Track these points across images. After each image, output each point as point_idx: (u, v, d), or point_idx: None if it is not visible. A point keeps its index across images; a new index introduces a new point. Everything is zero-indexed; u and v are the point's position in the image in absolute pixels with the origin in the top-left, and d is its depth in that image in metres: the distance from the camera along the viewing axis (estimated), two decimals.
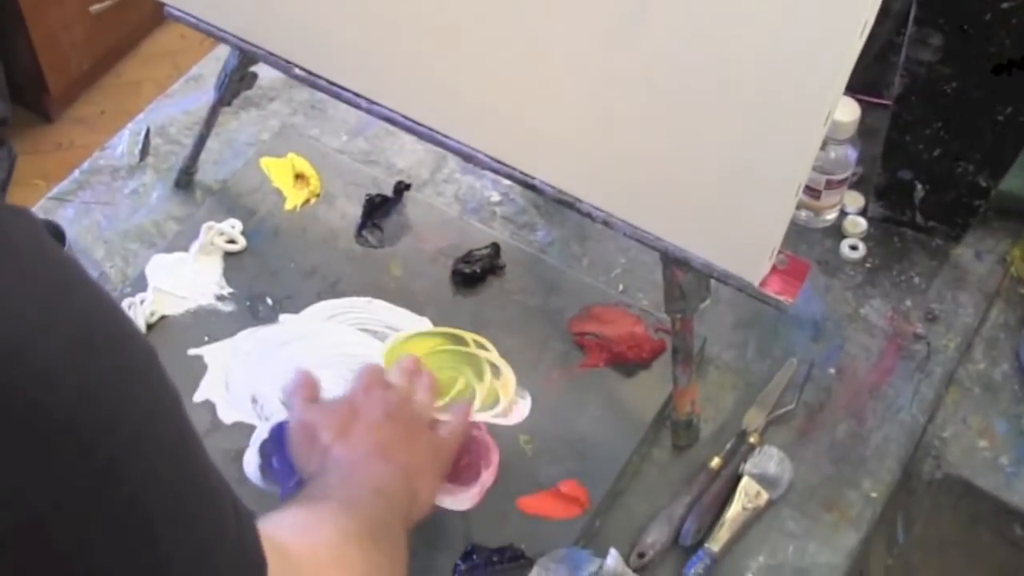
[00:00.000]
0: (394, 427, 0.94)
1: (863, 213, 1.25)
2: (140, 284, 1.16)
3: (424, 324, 1.14)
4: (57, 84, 2.58)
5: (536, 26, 0.93)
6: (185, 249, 1.19)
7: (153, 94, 1.41)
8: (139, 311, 1.13)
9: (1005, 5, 0.99)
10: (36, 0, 2.39)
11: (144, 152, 1.33)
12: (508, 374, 1.10)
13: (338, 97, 1.09)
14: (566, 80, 0.94)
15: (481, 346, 1.12)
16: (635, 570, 0.99)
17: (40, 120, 2.65)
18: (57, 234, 1.16)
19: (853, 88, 1.14)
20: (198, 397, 1.08)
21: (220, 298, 1.15)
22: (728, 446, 1.08)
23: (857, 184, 1.26)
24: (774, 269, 0.95)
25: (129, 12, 2.60)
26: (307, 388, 0.98)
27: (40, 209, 1.27)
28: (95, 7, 2.52)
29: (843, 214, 1.25)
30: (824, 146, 1.16)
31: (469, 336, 1.12)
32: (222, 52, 1.34)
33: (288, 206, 1.23)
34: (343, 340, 1.12)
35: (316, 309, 1.15)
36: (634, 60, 0.89)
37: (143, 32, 2.73)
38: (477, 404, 1.08)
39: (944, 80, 1.07)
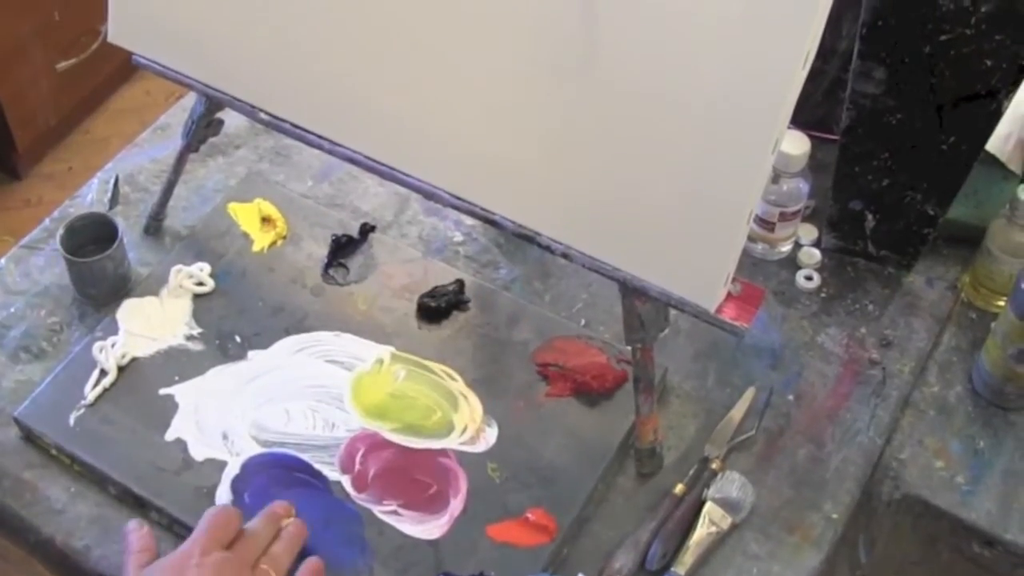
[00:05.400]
0: None
1: (817, 244, 1.28)
2: (111, 328, 1.17)
3: (386, 350, 1.16)
4: (24, 141, 2.58)
5: (489, 64, 0.96)
6: (155, 293, 1.21)
7: (120, 150, 1.42)
8: (111, 354, 1.14)
9: (943, 38, 1.02)
10: (2, 57, 2.40)
11: (114, 200, 1.34)
12: (475, 402, 1.12)
13: (302, 140, 1.12)
14: (519, 116, 0.97)
15: (449, 376, 1.14)
16: None
17: (8, 177, 2.65)
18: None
19: (804, 124, 1.19)
20: (170, 436, 1.09)
21: (190, 338, 1.17)
22: (691, 472, 1.10)
23: (810, 217, 1.29)
24: (729, 296, 0.97)
25: (96, 68, 2.61)
26: (143, 553, 0.94)
27: (11, 258, 1.28)
28: (62, 63, 2.54)
29: (798, 246, 1.28)
30: (777, 180, 1.20)
31: (437, 367, 1.14)
32: (188, 102, 1.36)
33: (255, 248, 1.25)
34: (311, 372, 1.13)
35: (284, 344, 1.16)
36: (583, 93, 0.92)
37: (110, 88, 2.74)
38: (453, 434, 1.10)
39: (889, 112, 1.10)
